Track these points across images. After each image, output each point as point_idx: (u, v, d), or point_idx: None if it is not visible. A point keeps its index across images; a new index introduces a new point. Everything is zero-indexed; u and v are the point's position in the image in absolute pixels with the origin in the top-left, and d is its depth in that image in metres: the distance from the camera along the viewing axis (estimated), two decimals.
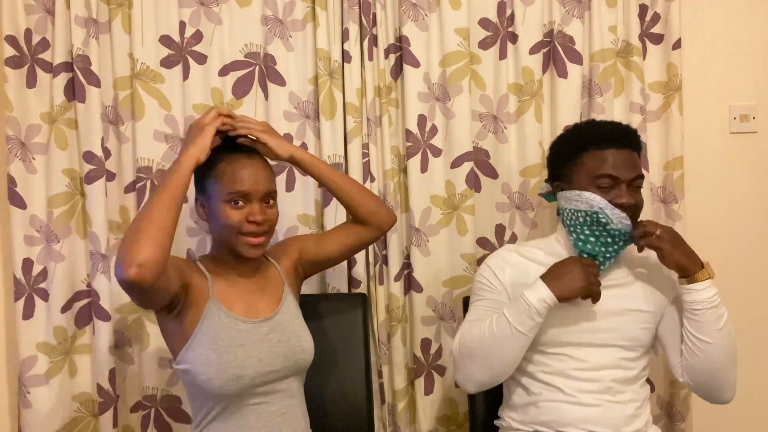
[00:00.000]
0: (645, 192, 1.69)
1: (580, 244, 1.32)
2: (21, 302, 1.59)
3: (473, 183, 1.73)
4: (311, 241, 1.46)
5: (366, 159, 1.68)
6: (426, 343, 1.74)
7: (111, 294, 1.62)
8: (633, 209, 1.30)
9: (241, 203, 1.24)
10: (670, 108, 1.74)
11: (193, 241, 1.67)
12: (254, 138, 1.31)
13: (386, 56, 1.71)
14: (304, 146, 1.68)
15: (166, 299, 1.17)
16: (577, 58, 1.70)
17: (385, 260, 1.71)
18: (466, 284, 1.72)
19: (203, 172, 1.27)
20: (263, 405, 1.25)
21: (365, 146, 1.69)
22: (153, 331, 1.65)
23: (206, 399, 1.24)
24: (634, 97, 1.71)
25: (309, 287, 1.66)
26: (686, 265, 1.28)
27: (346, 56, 1.66)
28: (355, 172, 1.66)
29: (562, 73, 1.71)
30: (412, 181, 1.71)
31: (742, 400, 1.87)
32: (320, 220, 1.70)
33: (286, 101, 1.68)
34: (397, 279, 1.70)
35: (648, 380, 1.41)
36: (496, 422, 1.45)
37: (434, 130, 1.71)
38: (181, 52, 1.65)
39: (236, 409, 1.24)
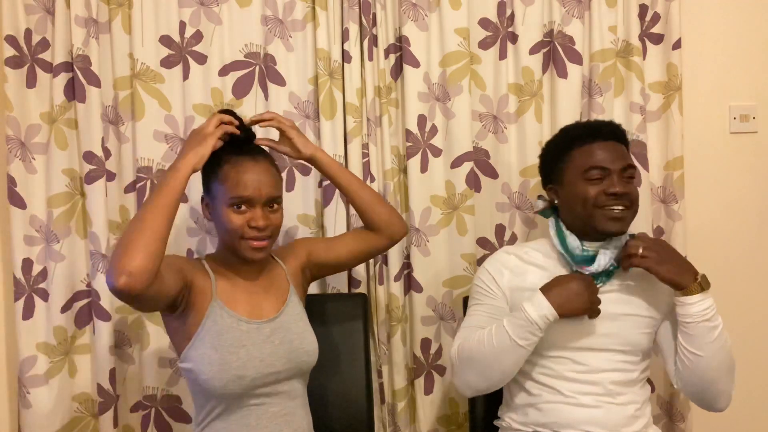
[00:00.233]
0: (645, 192, 1.71)
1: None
2: (21, 302, 1.59)
3: (473, 183, 1.73)
4: (321, 244, 1.46)
5: (366, 159, 1.68)
6: (426, 343, 1.74)
7: (111, 294, 1.60)
8: (627, 198, 1.31)
9: (243, 208, 1.23)
10: (670, 108, 1.74)
11: (193, 241, 1.67)
12: (272, 138, 1.33)
13: (386, 56, 1.71)
14: None
15: (164, 302, 1.17)
16: (577, 58, 1.70)
17: (385, 260, 1.71)
18: (466, 284, 1.72)
19: (209, 173, 1.27)
20: (265, 406, 1.25)
21: (365, 146, 1.69)
22: (153, 331, 1.65)
23: (208, 398, 1.24)
24: (634, 97, 1.71)
25: (309, 287, 1.65)
26: (676, 280, 1.26)
27: (346, 56, 1.66)
28: (355, 172, 1.66)
29: (562, 73, 1.71)
30: (412, 181, 1.71)
31: (742, 400, 1.87)
32: (320, 220, 1.70)
33: (286, 101, 1.68)
34: (397, 279, 1.70)
35: (648, 380, 1.41)
36: (495, 422, 1.45)
37: (434, 130, 1.71)
38: (181, 52, 1.65)
39: (237, 410, 1.24)
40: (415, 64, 1.69)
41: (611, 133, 1.36)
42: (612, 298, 1.33)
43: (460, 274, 1.73)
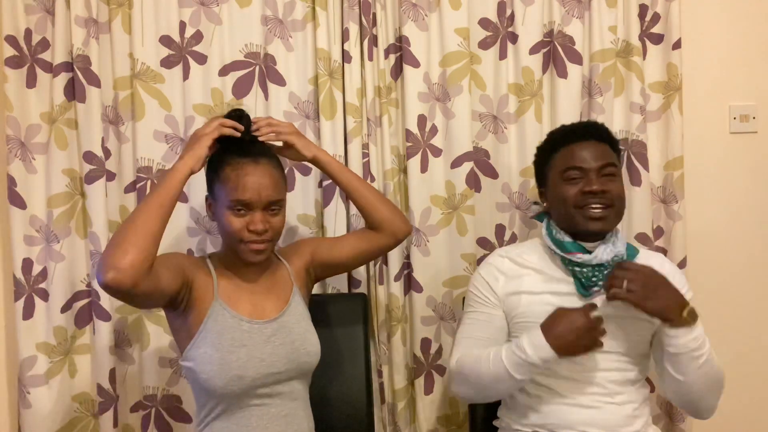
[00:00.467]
0: (645, 192, 1.70)
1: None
2: (21, 302, 1.59)
3: (473, 183, 1.73)
4: (325, 244, 1.46)
5: (366, 159, 1.68)
6: (426, 343, 1.74)
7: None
8: (606, 197, 1.31)
9: (243, 211, 1.23)
10: (670, 108, 1.74)
11: (193, 241, 1.67)
12: (277, 142, 1.33)
13: (386, 56, 1.71)
14: None
15: (160, 299, 1.17)
16: (577, 58, 1.70)
17: (385, 260, 1.71)
18: (466, 284, 1.71)
19: (211, 174, 1.28)
20: (265, 407, 1.25)
21: (365, 146, 1.69)
22: (153, 331, 1.65)
23: (208, 397, 1.24)
24: (634, 97, 1.71)
25: None
26: (663, 315, 1.22)
27: (346, 56, 1.66)
28: (355, 172, 1.65)
29: (562, 73, 1.71)
30: (412, 181, 1.71)
31: (742, 400, 1.88)
32: (320, 220, 1.70)
33: (286, 101, 1.68)
34: (397, 279, 1.70)
35: (647, 380, 1.41)
36: (495, 423, 1.45)
37: (434, 130, 1.71)
38: (181, 52, 1.65)
39: (238, 410, 1.23)
40: (415, 64, 1.69)
41: (590, 133, 1.37)
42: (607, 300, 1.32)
43: (460, 274, 1.73)
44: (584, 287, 1.33)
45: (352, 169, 1.64)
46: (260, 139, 1.31)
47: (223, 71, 1.66)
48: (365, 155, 1.68)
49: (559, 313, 1.24)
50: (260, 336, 1.25)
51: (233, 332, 1.22)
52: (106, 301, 1.61)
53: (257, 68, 1.67)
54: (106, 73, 1.63)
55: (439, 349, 1.75)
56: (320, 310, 1.56)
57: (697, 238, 1.82)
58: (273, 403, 1.26)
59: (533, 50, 1.71)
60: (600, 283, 1.31)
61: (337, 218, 1.67)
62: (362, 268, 1.70)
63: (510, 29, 1.72)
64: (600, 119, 1.69)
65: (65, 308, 1.62)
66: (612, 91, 1.71)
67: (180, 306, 1.23)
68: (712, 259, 1.86)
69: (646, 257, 1.40)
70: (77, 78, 1.58)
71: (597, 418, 1.29)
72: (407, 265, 1.74)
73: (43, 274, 1.60)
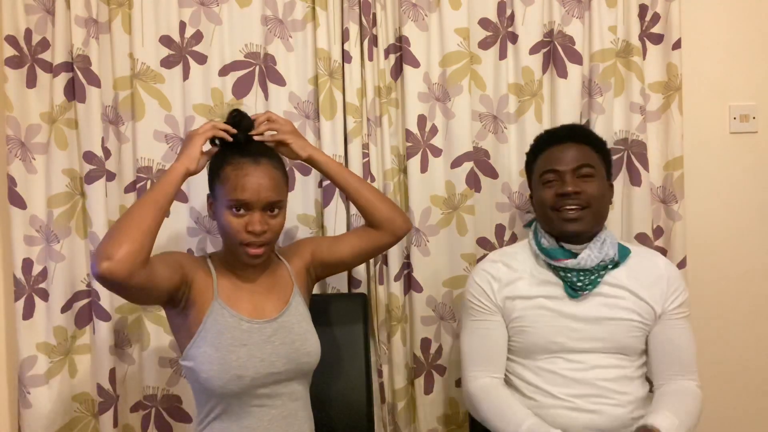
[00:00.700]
0: (645, 192, 1.70)
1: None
2: (21, 302, 1.59)
3: (473, 183, 1.73)
4: (325, 244, 1.46)
5: (366, 159, 1.68)
6: (426, 343, 1.74)
7: (111, 294, 1.61)
8: (581, 197, 1.32)
9: (242, 211, 1.23)
10: (670, 108, 1.74)
11: (193, 241, 1.67)
12: (274, 141, 1.32)
13: (386, 56, 1.71)
14: None
15: (156, 295, 1.16)
16: (577, 58, 1.70)
17: (385, 260, 1.71)
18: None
19: (212, 173, 1.28)
20: (266, 408, 1.25)
21: (365, 146, 1.69)
22: (153, 331, 1.65)
23: (208, 397, 1.24)
24: (634, 97, 1.71)
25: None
26: None
27: (346, 56, 1.66)
28: (355, 172, 1.65)
29: (562, 73, 1.71)
30: (412, 181, 1.71)
31: (742, 399, 1.88)
32: (320, 220, 1.70)
33: (286, 101, 1.68)
34: (397, 279, 1.70)
35: (647, 378, 1.40)
36: None
37: (434, 130, 1.71)
38: (182, 52, 1.65)
39: (238, 410, 1.23)
40: (415, 64, 1.69)
41: (569, 135, 1.39)
42: (601, 302, 1.33)
43: (460, 274, 1.73)
44: (573, 289, 1.34)
45: (352, 169, 1.65)
46: (255, 138, 1.30)
47: (223, 71, 1.66)
48: (365, 155, 1.68)
49: None
50: (260, 336, 1.24)
51: (233, 332, 1.22)
52: (106, 301, 1.61)
53: (257, 68, 1.67)
54: (106, 73, 1.63)
55: (439, 348, 1.75)
56: (320, 310, 1.56)
57: (697, 238, 1.82)
58: (273, 404, 1.26)
59: (533, 50, 1.71)
60: (588, 286, 1.32)
61: (337, 218, 1.67)
62: (362, 268, 1.70)
63: (510, 29, 1.72)
64: (600, 119, 1.70)
65: (65, 308, 1.62)
66: (612, 91, 1.71)
67: (179, 304, 1.23)
68: (712, 259, 1.86)
69: (639, 256, 1.40)
70: (77, 78, 1.58)
71: (596, 421, 1.29)
72: (407, 265, 1.74)
73: (43, 274, 1.60)
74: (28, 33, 1.58)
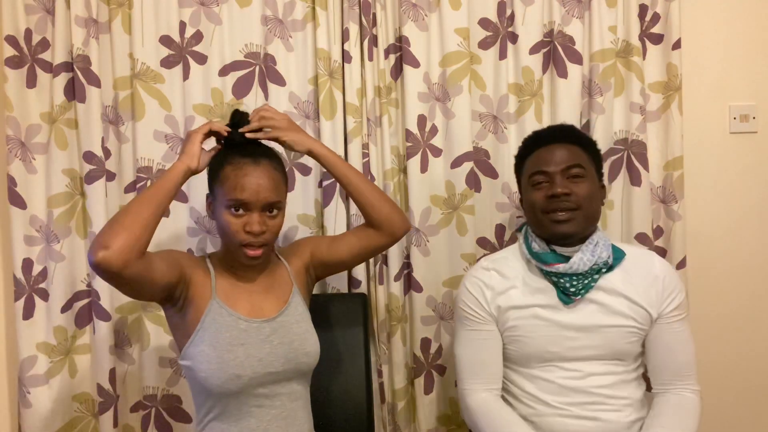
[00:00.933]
0: (645, 192, 1.70)
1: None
2: (21, 302, 1.59)
3: (473, 183, 1.73)
4: (324, 243, 1.44)
5: (366, 159, 1.68)
6: (426, 343, 1.74)
7: (111, 294, 1.62)
8: (571, 199, 1.29)
9: (241, 211, 1.23)
10: (670, 108, 1.74)
11: (193, 241, 1.67)
12: (268, 138, 1.32)
13: (386, 56, 1.71)
14: None
15: (153, 290, 1.16)
16: (577, 58, 1.70)
17: (385, 260, 1.71)
18: None
19: (213, 172, 1.28)
20: (265, 408, 1.25)
21: (365, 146, 1.69)
22: (153, 331, 1.66)
23: (206, 397, 1.24)
24: (634, 97, 1.71)
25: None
26: None
27: (346, 56, 1.66)
28: (355, 168, 1.66)
29: (562, 73, 1.71)
30: (412, 181, 1.71)
31: (743, 399, 1.88)
32: (320, 220, 1.70)
33: (286, 101, 1.68)
34: (397, 279, 1.71)
35: (644, 376, 1.39)
36: None
37: (434, 130, 1.71)
38: (182, 52, 1.65)
39: (236, 410, 1.23)
40: (415, 64, 1.69)
41: (558, 136, 1.35)
42: (596, 309, 1.31)
43: (460, 274, 1.73)
44: (565, 294, 1.32)
45: None
46: (248, 136, 1.28)
47: (223, 71, 1.66)
48: (365, 155, 1.68)
49: None
50: (258, 335, 1.24)
51: (231, 331, 1.22)
52: (106, 301, 1.61)
53: (257, 68, 1.67)
54: (106, 73, 1.63)
55: (439, 348, 1.75)
56: (320, 310, 1.57)
57: (696, 238, 1.82)
58: (272, 404, 1.25)
59: (533, 50, 1.71)
60: (582, 291, 1.30)
61: (337, 218, 1.67)
62: (362, 268, 1.70)
63: (510, 29, 1.72)
64: (600, 119, 1.70)
65: (65, 308, 1.62)
66: (612, 91, 1.71)
67: (177, 303, 1.23)
68: (712, 259, 1.86)
69: (634, 258, 1.37)
70: (77, 78, 1.58)
71: (594, 427, 1.28)
72: (407, 265, 1.74)
73: (43, 274, 1.60)
74: (28, 33, 1.58)
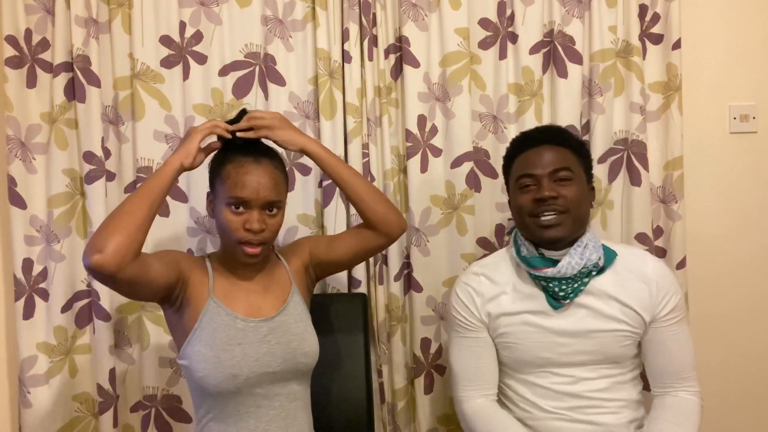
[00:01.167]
0: (645, 192, 1.70)
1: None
2: (21, 302, 1.59)
3: (473, 183, 1.73)
4: (323, 243, 1.44)
5: (366, 159, 1.68)
6: (426, 343, 1.74)
7: (111, 294, 1.62)
8: (558, 202, 1.27)
9: (241, 209, 1.23)
10: (670, 108, 1.74)
11: (193, 241, 1.67)
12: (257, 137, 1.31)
13: (386, 56, 1.71)
14: None
15: (150, 291, 1.16)
16: (577, 58, 1.70)
17: (385, 260, 1.71)
18: None
19: (214, 170, 1.28)
20: (263, 408, 1.24)
21: (365, 146, 1.69)
22: (153, 331, 1.65)
23: (204, 397, 1.24)
24: (634, 97, 1.71)
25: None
26: None
27: (346, 56, 1.66)
28: (351, 166, 1.65)
29: (562, 73, 1.71)
30: (412, 181, 1.71)
31: (742, 399, 1.88)
32: (320, 220, 1.71)
33: (286, 101, 1.68)
34: (397, 279, 1.71)
35: (642, 375, 1.38)
36: None
37: (434, 130, 1.71)
38: (181, 52, 1.65)
39: (235, 411, 1.23)
40: (415, 64, 1.69)
41: (546, 138, 1.33)
42: (586, 314, 1.29)
43: (460, 274, 1.73)
44: (554, 299, 1.30)
45: None
46: (239, 135, 1.27)
47: (223, 71, 1.66)
48: (365, 155, 1.68)
49: None
50: (255, 335, 1.24)
51: (228, 330, 1.22)
52: (106, 301, 1.61)
53: (257, 68, 1.67)
54: (106, 73, 1.63)
55: (439, 348, 1.75)
56: (320, 310, 1.56)
57: (696, 238, 1.82)
58: (271, 404, 1.25)
59: (533, 50, 1.71)
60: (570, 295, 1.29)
61: (337, 218, 1.67)
62: (362, 268, 1.70)
63: (510, 29, 1.72)
64: (600, 119, 1.70)
65: (65, 308, 1.62)
66: (612, 91, 1.71)
67: (176, 303, 1.23)
68: (712, 259, 1.86)
69: (627, 259, 1.34)
70: (77, 78, 1.58)
71: (591, 431, 1.28)
72: (407, 265, 1.74)
73: (43, 274, 1.60)
74: (28, 33, 1.58)
